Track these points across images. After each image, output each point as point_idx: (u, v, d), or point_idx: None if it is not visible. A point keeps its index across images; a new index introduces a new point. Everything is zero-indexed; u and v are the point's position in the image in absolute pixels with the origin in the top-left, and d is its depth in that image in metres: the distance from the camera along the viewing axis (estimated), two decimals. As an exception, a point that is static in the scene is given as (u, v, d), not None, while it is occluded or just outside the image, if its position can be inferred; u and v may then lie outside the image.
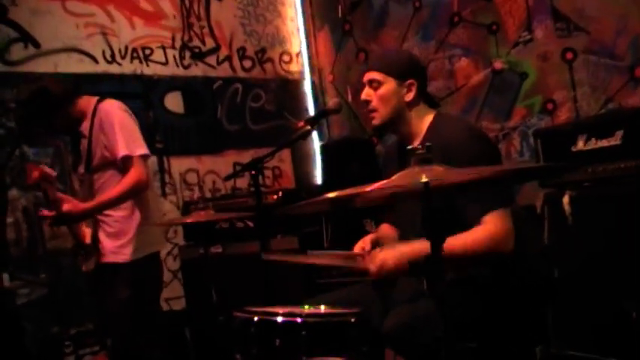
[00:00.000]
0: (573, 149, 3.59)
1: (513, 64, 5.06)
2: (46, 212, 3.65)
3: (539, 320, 2.98)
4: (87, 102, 3.76)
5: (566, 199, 3.54)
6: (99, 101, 3.74)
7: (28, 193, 4.93)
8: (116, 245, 3.70)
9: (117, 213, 3.70)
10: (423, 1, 5.67)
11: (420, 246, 2.53)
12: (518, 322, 2.77)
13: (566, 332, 3.48)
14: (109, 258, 3.70)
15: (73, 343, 5.00)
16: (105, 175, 3.71)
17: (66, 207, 3.58)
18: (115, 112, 3.67)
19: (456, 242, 2.44)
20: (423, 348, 2.25)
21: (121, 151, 3.58)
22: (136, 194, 3.70)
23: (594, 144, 3.51)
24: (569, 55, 4.70)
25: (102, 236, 3.72)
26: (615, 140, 3.40)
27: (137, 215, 3.75)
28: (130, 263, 3.71)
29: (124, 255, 3.70)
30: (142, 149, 3.67)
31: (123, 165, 3.61)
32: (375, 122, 2.90)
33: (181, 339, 4.91)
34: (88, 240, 3.73)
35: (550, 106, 4.82)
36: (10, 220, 4.85)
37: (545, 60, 4.85)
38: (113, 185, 3.66)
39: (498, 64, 5.15)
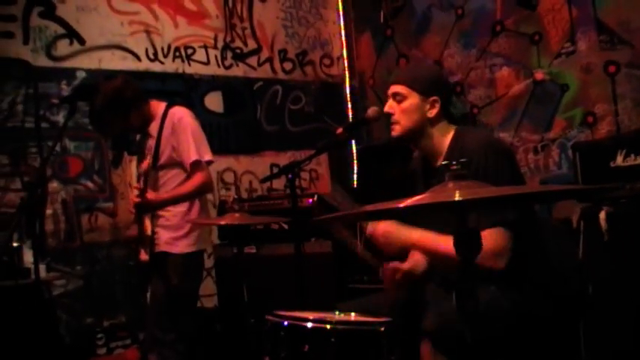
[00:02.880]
0: (612, 165, 3.56)
1: (555, 75, 5.03)
2: (134, 199, 3.91)
3: (571, 335, 2.95)
4: (157, 105, 4.01)
5: (602, 215, 3.50)
6: (169, 106, 3.99)
7: (67, 186, 5.02)
8: (171, 237, 3.91)
9: (176, 208, 3.93)
10: (465, 9, 5.66)
11: (419, 238, 2.73)
12: (551, 336, 2.75)
13: (598, 348, 3.44)
14: (163, 247, 3.91)
15: (105, 335, 5.08)
16: (170, 172, 3.94)
17: (150, 196, 3.83)
18: (188, 119, 3.94)
19: (443, 243, 2.54)
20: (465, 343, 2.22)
21: (193, 156, 3.84)
22: (202, 195, 4.02)
23: (633, 160, 3.47)
24: (612, 69, 4.65)
25: (158, 228, 3.92)
26: (655, 157, 3.37)
27: (194, 213, 3.97)
28: (182, 255, 3.91)
29: (178, 247, 3.91)
30: (209, 155, 3.95)
31: (191, 168, 3.87)
32: (394, 134, 2.90)
33: (212, 336, 4.95)
34: (149, 231, 3.90)
35: (590, 119, 4.78)
36: (49, 211, 4.93)
37: (588, 72, 4.81)
38: (177, 183, 3.93)
39: (540, 75, 5.12)
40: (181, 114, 3.95)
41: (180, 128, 3.88)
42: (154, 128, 3.95)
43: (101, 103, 3.84)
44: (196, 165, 3.86)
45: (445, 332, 2.45)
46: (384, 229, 2.81)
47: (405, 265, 2.87)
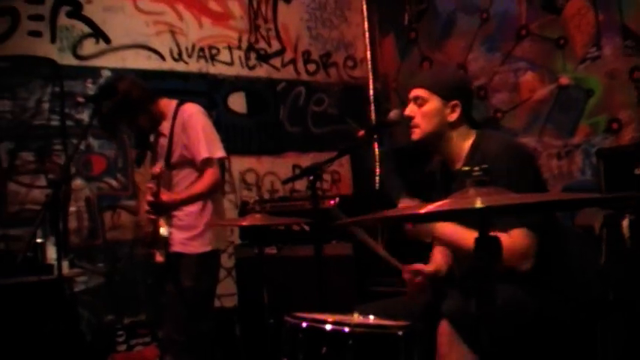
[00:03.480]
0: (636, 171, 3.54)
1: (579, 81, 5.00)
2: (149, 199, 3.88)
3: (589, 341, 2.94)
4: (167, 103, 3.99)
5: (625, 223, 3.48)
6: (179, 104, 3.97)
7: (91, 184, 5.07)
8: (185, 237, 3.91)
9: (189, 208, 3.92)
10: (490, 13, 5.63)
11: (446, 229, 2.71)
12: (569, 342, 2.74)
13: (617, 355, 3.43)
14: (177, 248, 3.90)
15: (125, 333, 5.11)
16: (182, 172, 3.93)
17: (164, 197, 3.81)
18: (198, 115, 3.92)
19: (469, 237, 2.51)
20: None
21: (203, 153, 3.82)
22: (214, 192, 3.98)
23: (657, 167, 3.45)
24: (637, 74, 4.62)
25: (172, 229, 3.92)
26: (680, 165, 3.34)
27: (207, 212, 3.95)
28: (196, 256, 3.90)
29: (192, 247, 3.91)
30: (221, 152, 3.92)
31: (202, 165, 3.85)
32: (414, 137, 2.90)
33: (231, 336, 4.97)
34: (164, 232, 3.91)
35: (615, 125, 4.74)
36: (72, 209, 4.98)
37: (613, 78, 4.77)
38: (190, 181, 3.92)
39: (564, 80, 5.09)
40: (191, 111, 3.93)
41: (191, 125, 3.86)
42: (165, 127, 3.95)
43: (108, 106, 3.83)
44: (207, 162, 3.84)
45: (464, 313, 2.45)
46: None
47: (428, 268, 2.87)
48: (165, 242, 3.88)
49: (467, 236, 2.65)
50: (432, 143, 2.91)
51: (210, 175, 3.85)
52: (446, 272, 2.99)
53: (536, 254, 2.56)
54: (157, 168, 3.89)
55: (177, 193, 3.89)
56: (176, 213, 3.92)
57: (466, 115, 2.88)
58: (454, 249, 2.86)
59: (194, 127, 3.85)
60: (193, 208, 3.92)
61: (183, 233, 3.91)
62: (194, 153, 3.84)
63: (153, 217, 3.91)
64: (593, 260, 3.46)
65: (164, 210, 3.88)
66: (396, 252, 3.11)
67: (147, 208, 3.92)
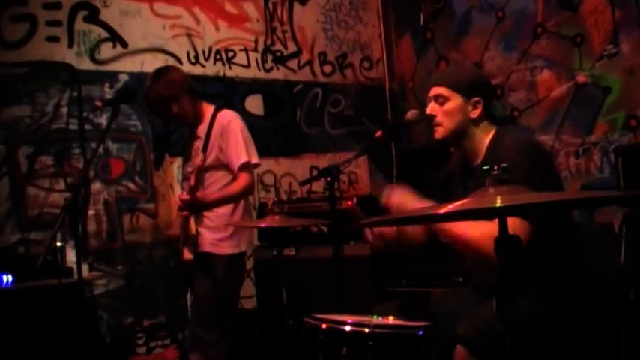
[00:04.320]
0: (655, 169, 3.52)
1: (597, 78, 4.97)
2: (184, 196, 3.98)
3: (611, 341, 2.92)
4: (206, 107, 4.12)
5: (645, 220, 3.46)
6: (218, 109, 4.09)
7: (110, 187, 5.09)
8: (216, 238, 3.99)
9: (220, 210, 4.00)
10: (506, 11, 5.62)
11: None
12: (590, 342, 2.72)
13: (639, 355, 3.40)
14: (208, 248, 3.98)
15: (145, 335, 5.13)
16: (216, 174, 4.01)
17: (199, 195, 3.92)
18: (237, 121, 4.03)
19: (459, 227, 2.57)
20: (498, 348, 2.20)
21: (242, 158, 3.93)
22: (246, 196, 4.12)
23: (676, 164, 3.42)
24: (656, 71, 4.59)
25: (202, 229, 3.99)
26: (698, 161, 3.32)
27: (237, 214, 4.04)
28: (226, 257, 3.99)
29: (223, 248, 3.99)
30: (257, 159, 4.05)
31: (239, 170, 3.94)
32: (438, 135, 2.89)
33: (250, 337, 4.98)
34: (194, 231, 3.97)
35: (633, 122, 4.72)
36: (91, 212, 5.01)
37: (631, 75, 4.75)
38: (223, 184, 4.01)
39: (581, 78, 5.07)
40: (231, 117, 4.03)
41: (230, 130, 3.96)
42: (201, 130, 4.03)
43: (159, 82, 3.96)
44: (245, 167, 3.93)
45: (481, 337, 2.44)
46: (398, 200, 2.86)
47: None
48: (194, 240, 3.94)
49: (461, 225, 2.63)
50: (455, 141, 2.90)
51: (245, 179, 3.95)
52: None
53: (530, 244, 2.46)
54: (193, 167, 3.98)
55: (212, 193, 3.97)
56: (207, 214, 3.99)
57: (487, 111, 2.87)
58: (443, 235, 2.82)
59: (234, 132, 3.96)
60: (224, 210, 4.00)
61: (214, 234, 3.98)
62: (232, 157, 3.94)
63: (185, 214, 3.98)
64: (612, 258, 3.44)
65: (197, 208, 3.96)
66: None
67: (180, 205, 4.01)
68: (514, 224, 2.48)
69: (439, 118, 2.85)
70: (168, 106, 3.97)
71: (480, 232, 2.46)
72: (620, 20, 4.80)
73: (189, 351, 4.05)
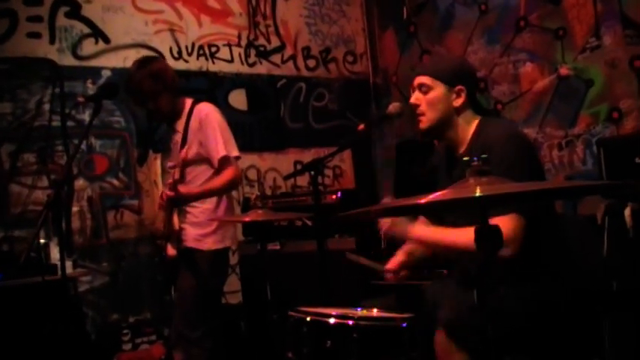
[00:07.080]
0: (637, 160, 3.53)
1: (580, 71, 4.98)
2: (168, 192, 3.88)
3: (595, 333, 2.93)
4: (184, 101, 4.05)
5: (627, 212, 3.47)
6: (195, 102, 4.03)
7: (93, 184, 5.08)
8: (199, 234, 3.94)
9: (203, 205, 3.95)
10: (489, 5, 5.63)
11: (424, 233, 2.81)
12: (573, 334, 2.73)
13: (623, 346, 3.42)
14: (191, 244, 3.94)
15: (130, 331, 5.13)
16: (197, 169, 3.95)
17: (182, 189, 3.84)
18: (215, 114, 3.97)
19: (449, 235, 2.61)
20: (480, 334, 2.20)
21: (221, 152, 3.86)
22: (231, 190, 4.10)
23: (659, 156, 3.44)
24: (638, 63, 4.60)
25: (186, 225, 3.95)
26: (681, 153, 3.33)
27: (221, 209, 4.00)
28: (209, 252, 3.94)
29: (206, 244, 3.94)
30: (236, 151, 3.96)
31: (219, 164, 3.88)
32: (422, 126, 2.88)
33: (236, 332, 4.98)
34: (177, 227, 3.92)
35: (616, 114, 4.73)
36: (75, 209, 4.99)
37: (613, 67, 4.76)
38: (205, 178, 3.95)
39: (564, 70, 5.08)
40: (208, 110, 3.97)
41: (208, 124, 3.90)
42: (180, 124, 3.98)
43: (144, 72, 3.90)
44: (225, 161, 3.88)
45: (461, 323, 2.45)
46: (397, 220, 2.87)
47: (399, 258, 3.11)
48: (178, 236, 3.91)
49: (447, 235, 2.68)
50: (440, 131, 2.89)
51: (229, 173, 3.88)
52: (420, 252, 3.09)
53: (527, 239, 2.51)
54: (173, 161, 3.93)
55: (194, 187, 3.92)
56: (190, 209, 3.95)
57: (471, 100, 2.87)
58: (434, 249, 2.89)
59: (211, 125, 3.90)
60: (208, 205, 3.96)
61: (198, 230, 3.94)
62: (211, 151, 3.88)
63: (166, 209, 3.93)
64: (596, 249, 3.45)
65: (181, 202, 3.92)
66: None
67: (162, 201, 3.95)
68: (507, 222, 2.51)
69: (422, 108, 2.85)
70: (144, 100, 3.94)
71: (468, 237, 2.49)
72: (603, 13, 4.82)
73: (173, 348, 4.02)
